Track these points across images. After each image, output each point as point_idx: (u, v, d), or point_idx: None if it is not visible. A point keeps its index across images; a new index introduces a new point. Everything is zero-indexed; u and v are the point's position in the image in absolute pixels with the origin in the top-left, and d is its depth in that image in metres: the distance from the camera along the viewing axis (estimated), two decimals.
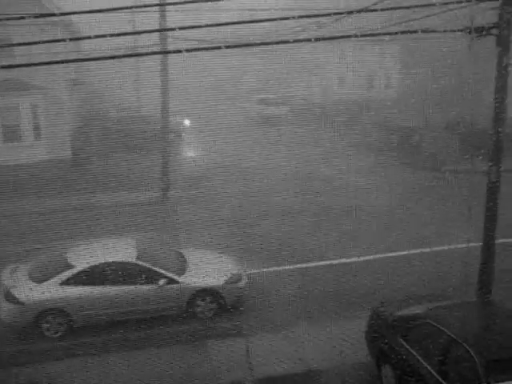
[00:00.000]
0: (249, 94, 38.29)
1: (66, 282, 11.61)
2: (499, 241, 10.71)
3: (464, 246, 13.72)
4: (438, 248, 14.57)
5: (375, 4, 13.15)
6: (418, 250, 14.49)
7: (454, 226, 15.83)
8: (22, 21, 8.91)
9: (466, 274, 11.49)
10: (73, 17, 24.36)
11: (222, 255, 13.33)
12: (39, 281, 11.74)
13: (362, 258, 14.26)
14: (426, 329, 8.68)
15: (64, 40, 11.69)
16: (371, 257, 14.39)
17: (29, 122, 23.44)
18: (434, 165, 23.37)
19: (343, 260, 14.29)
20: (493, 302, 10.44)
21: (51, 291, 11.51)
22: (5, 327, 11.59)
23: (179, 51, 10.04)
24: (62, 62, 8.96)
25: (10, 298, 11.48)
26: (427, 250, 14.43)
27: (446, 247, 14.55)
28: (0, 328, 11.58)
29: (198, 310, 11.92)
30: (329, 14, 10.07)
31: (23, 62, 13.66)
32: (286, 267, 14.09)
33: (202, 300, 11.96)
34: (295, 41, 9.65)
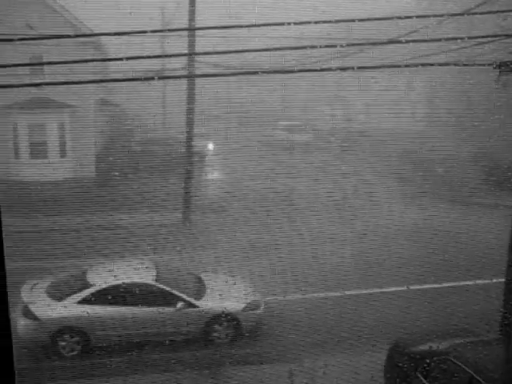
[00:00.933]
0: (272, 120, 38.41)
1: (84, 301, 11.61)
2: None
3: (488, 281, 13.54)
4: (461, 282, 14.34)
5: (401, 36, 13.17)
6: (441, 284, 14.27)
7: (478, 259, 15.59)
8: (53, 40, 9.04)
9: (490, 310, 11.29)
10: (103, 38, 24.72)
11: (240, 281, 13.27)
12: (58, 298, 11.77)
13: (383, 290, 14.09)
14: (446, 366, 8.52)
15: (94, 60, 11.85)
16: (392, 289, 14.20)
17: (55, 139, 23.70)
18: (459, 197, 23.15)
19: (366, 290, 14.12)
20: None
21: (69, 309, 11.52)
22: (21, 343, 11.59)
23: (206, 76, 10.14)
24: (91, 82, 9.07)
25: (27, 314, 11.50)
26: (451, 284, 14.21)
27: (469, 282, 14.31)
28: (17, 344, 11.59)
29: (214, 335, 11.84)
30: (354, 44, 10.11)
31: (53, 80, 13.85)
32: (307, 296, 13.94)
33: (219, 325, 11.88)
34: (321, 70, 9.68)
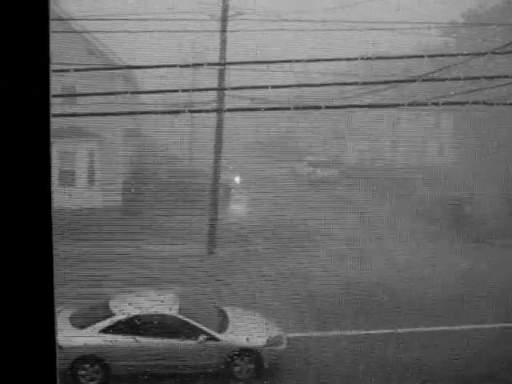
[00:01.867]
0: (299, 155, 38.46)
1: (106, 330, 11.61)
2: None
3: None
4: (489, 325, 14.06)
5: (430, 73, 13.20)
6: (469, 326, 13.99)
7: (503, 302, 15.30)
8: (86, 71, 9.21)
9: None
10: (135, 70, 25.13)
11: (263, 315, 13.17)
12: (80, 326, 11.78)
13: (417, 329, 13.84)
14: None
15: (125, 93, 12.06)
16: (421, 329, 13.96)
17: (84, 168, 24.00)
18: (487, 237, 22.81)
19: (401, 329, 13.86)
20: None
21: (91, 338, 11.51)
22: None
23: (234, 110, 10.22)
24: (121, 114, 9.20)
25: None
26: (480, 326, 13.93)
27: (498, 325, 14.03)
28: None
29: (235, 370, 11.71)
30: (381, 83, 10.14)
31: (84, 110, 14.08)
32: (332, 333, 13.76)
33: (241, 360, 11.76)
34: (350, 106, 9.70)
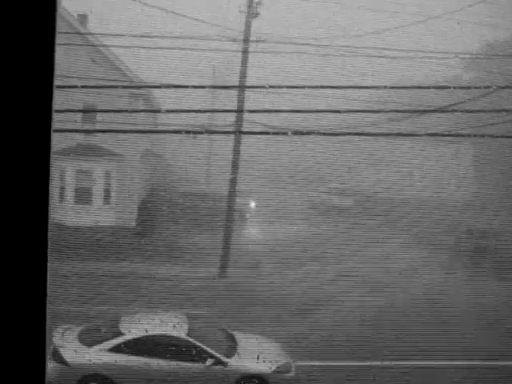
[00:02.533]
0: (316, 182, 38.40)
1: (115, 349, 11.52)
2: None
3: None
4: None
5: (452, 104, 13.16)
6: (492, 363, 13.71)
7: None
8: (106, 90, 9.26)
9: None
10: (154, 90, 25.32)
11: (272, 341, 13.01)
12: (88, 344, 11.71)
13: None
14: None
15: (144, 111, 12.09)
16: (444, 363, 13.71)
17: (100, 186, 24.09)
18: (505, 273, 22.46)
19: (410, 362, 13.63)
20: None
21: (98, 356, 11.43)
22: None
23: (253, 133, 10.19)
24: (139, 132, 9.21)
25: (56, 357, 11.43)
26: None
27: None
28: None
29: None
30: (404, 111, 10.09)
31: (102, 128, 14.15)
32: (345, 363, 13.55)
33: None
34: (370, 134, 9.64)
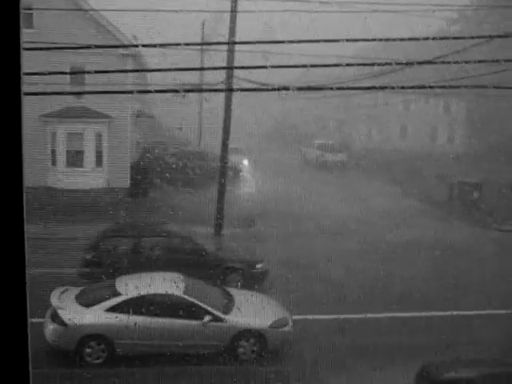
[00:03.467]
0: (307, 138, 38.36)
1: (112, 309, 11.64)
2: None
3: None
4: (493, 311, 14.02)
5: (439, 57, 13.06)
6: (473, 312, 13.98)
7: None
8: (93, 50, 9.16)
9: None
10: (143, 50, 25.02)
11: (270, 297, 13.19)
12: (86, 305, 11.84)
13: (413, 314, 13.87)
14: None
15: (133, 71, 11.97)
16: (423, 313, 13.96)
17: (92, 149, 23.99)
18: (494, 223, 22.73)
19: (398, 314, 13.89)
20: None
21: (96, 317, 11.57)
22: (48, 348, 11.65)
23: (242, 89, 10.15)
24: (129, 92, 9.14)
25: (55, 319, 11.57)
26: (482, 312, 13.90)
27: (502, 311, 13.99)
28: (43, 348, 11.66)
29: (240, 351, 11.74)
30: (390, 64, 10.04)
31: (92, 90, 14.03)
32: (338, 316, 13.78)
33: (246, 341, 11.79)
34: (357, 88, 9.62)
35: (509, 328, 12.71)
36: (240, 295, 13.01)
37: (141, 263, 15.07)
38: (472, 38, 9.88)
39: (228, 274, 15.33)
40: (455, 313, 13.89)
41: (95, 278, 13.98)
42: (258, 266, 15.46)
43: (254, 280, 15.36)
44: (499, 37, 11.15)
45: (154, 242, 15.82)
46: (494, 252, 18.73)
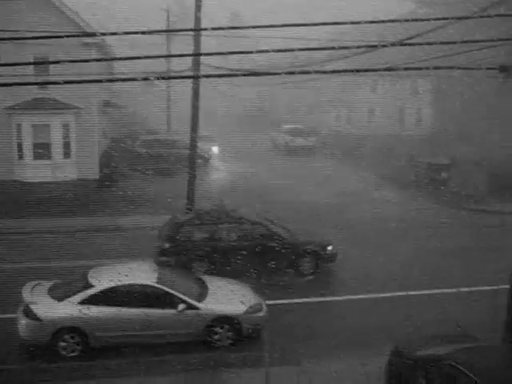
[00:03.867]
0: (277, 123, 38.41)
1: (85, 302, 11.56)
2: None
3: (491, 288, 13.45)
4: (464, 289, 14.25)
5: (403, 40, 13.12)
6: (443, 290, 14.19)
7: (480, 266, 15.53)
8: (57, 40, 8.98)
9: (493, 317, 11.22)
10: (108, 40, 24.73)
11: (243, 284, 13.22)
12: (59, 298, 11.72)
13: (382, 295, 14.04)
14: (448, 371, 8.43)
15: (98, 60, 11.80)
16: (393, 294, 14.14)
17: (59, 140, 23.67)
18: (461, 203, 23.05)
19: (365, 295, 14.06)
20: None
21: (70, 310, 11.46)
22: (22, 343, 11.54)
23: (209, 76, 10.11)
24: (95, 81, 9.01)
25: (28, 313, 11.45)
26: (453, 290, 14.11)
27: (472, 288, 14.23)
28: (17, 344, 11.54)
29: (215, 338, 11.77)
30: (358, 47, 10.03)
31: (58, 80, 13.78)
32: (309, 299, 13.90)
33: (221, 328, 11.81)
34: (324, 72, 9.60)
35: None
36: (213, 282, 13.01)
37: (220, 249, 15.45)
38: (438, 19, 9.92)
39: (302, 256, 15.79)
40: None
41: (174, 267, 14.43)
42: (329, 248, 16.03)
43: (325, 262, 16.11)
44: (465, 18, 11.24)
45: (229, 228, 16.04)
46: (455, 230, 19.06)
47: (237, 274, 14.11)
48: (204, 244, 15.60)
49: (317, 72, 9.17)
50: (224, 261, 15.02)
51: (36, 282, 12.52)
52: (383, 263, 15.89)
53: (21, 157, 23.32)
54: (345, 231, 18.19)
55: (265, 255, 15.18)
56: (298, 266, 15.68)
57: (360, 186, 25.72)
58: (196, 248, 15.42)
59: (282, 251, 15.37)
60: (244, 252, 14.95)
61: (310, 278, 15.63)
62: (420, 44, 10.17)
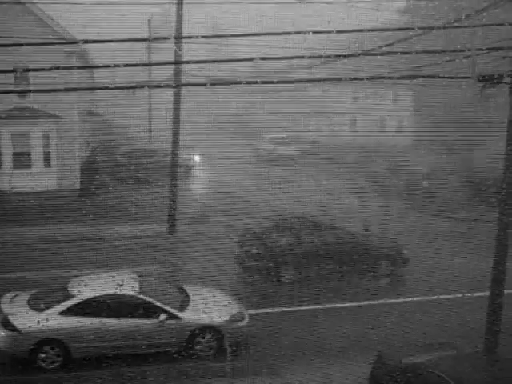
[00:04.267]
0: (259, 132, 38.44)
1: (66, 313, 11.44)
2: (508, 291, 10.52)
3: (471, 295, 13.52)
4: (445, 296, 14.30)
5: (385, 46, 13.20)
6: (425, 298, 14.24)
7: (462, 274, 15.59)
8: (37, 48, 8.93)
9: (474, 325, 11.27)
10: (89, 48, 24.63)
11: (224, 293, 13.17)
12: (39, 309, 11.58)
13: (366, 303, 14.06)
14: (430, 379, 8.46)
15: (79, 68, 11.73)
16: (378, 301, 14.17)
17: (39, 149, 23.48)
18: (443, 211, 23.19)
19: (348, 304, 14.07)
20: (499, 353, 10.21)
21: (50, 321, 11.33)
22: (1, 355, 11.38)
23: (191, 85, 10.09)
24: (76, 89, 8.95)
25: (7, 325, 11.30)
26: (434, 297, 14.16)
27: (453, 296, 14.29)
28: None
29: (197, 348, 11.70)
30: (338, 56, 10.06)
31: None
32: (291, 308, 13.87)
33: (203, 337, 11.75)
34: (305, 80, 9.63)
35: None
36: (195, 292, 12.95)
37: (304, 255, 15.77)
38: (420, 28, 9.98)
39: (381, 260, 16.32)
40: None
41: (260, 271, 15.22)
42: (404, 251, 16.62)
43: (399, 265, 16.63)
44: (444, 28, 11.32)
45: (312, 234, 16.50)
46: (434, 238, 19.14)
47: (320, 278, 14.90)
48: (289, 249, 16.03)
49: (297, 81, 9.20)
50: (307, 265, 15.61)
51: (15, 293, 12.38)
52: None
53: (0, 166, 23.09)
54: None
55: (347, 259, 15.74)
56: (375, 270, 16.27)
57: (337, 195, 25.77)
58: (282, 253, 15.90)
59: (362, 255, 16.01)
60: (327, 256, 15.55)
61: (387, 280, 16.24)
62: (402, 53, 10.24)
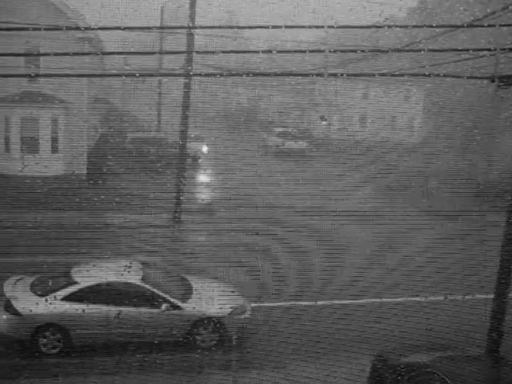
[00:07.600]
0: (268, 125, 38.34)
1: (68, 298, 11.45)
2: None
3: (475, 297, 13.45)
4: (449, 297, 14.24)
5: (401, 46, 13.11)
6: (428, 299, 14.17)
7: (467, 275, 15.51)
8: (49, 33, 8.89)
9: (476, 327, 11.21)
10: (101, 35, 24.61)
11: (228, 284, 13.14)
12: (41, 294, 11.59)
13: (369, 300, 14.00)
14: (430, 379, 8.42)
15: (90, 54, 11.70)
16: (380, 300, 14.10)
17: (47, 135, 23.48)
18: (451, 212, 23.05)
19: (350, 301, 14.01)
20: (501, 356, 10.16)
21: (52, 306, 11.34)
22: (1, 338, 11.39)
23: (202, 75, 10.04)
24: (88, 76, 8.92)
25: (9, 308, 11.32)
26: (438, 298, 14.10)
27: (456, 297, 14.22)
28: None
29: (198, 339, 11.68)
30: (353, 51, 10.02)
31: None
32: (295, 303, 13.82)
33: (204, 329, 11.73)
34: (316, 74, 9.56)
35: None
36: (198, 283, 12.92)
37: None
38: (435, 27, 9.91)
39: None
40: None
41: None
42: None
43: None
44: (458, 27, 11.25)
45: None
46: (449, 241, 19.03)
47: None
48: None
49: (310, 75, 9.12)
50: None
51: (18, 277, 12.39)
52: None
53: (8, 150, 23.11)
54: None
55: None
56: None
57: (345, 191, 25.66)
58: None
59: None
60: None
61: None
62: (415, 51, 10.18)
